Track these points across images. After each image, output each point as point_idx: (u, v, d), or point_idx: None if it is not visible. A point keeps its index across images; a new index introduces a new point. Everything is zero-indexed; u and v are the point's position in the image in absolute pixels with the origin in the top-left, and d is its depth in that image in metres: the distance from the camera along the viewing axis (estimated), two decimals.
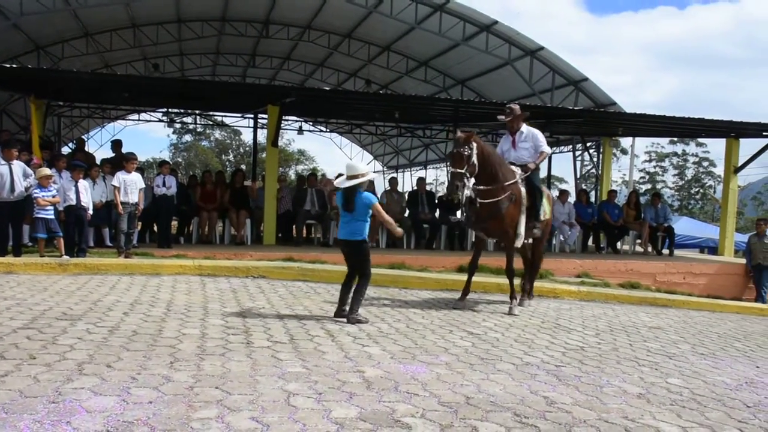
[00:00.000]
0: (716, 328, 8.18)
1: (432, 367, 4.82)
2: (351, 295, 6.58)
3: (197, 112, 24.24)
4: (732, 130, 16.03)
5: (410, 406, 3.84)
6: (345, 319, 6.46)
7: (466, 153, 7.38)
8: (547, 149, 8.46)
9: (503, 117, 8.52)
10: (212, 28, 22.75)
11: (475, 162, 7.43)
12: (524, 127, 8.47)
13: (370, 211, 6.54)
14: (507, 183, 7.73)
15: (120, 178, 10.36)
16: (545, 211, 8.44)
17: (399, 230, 7.11)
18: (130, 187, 10.39)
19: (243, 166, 39.16)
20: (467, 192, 7.42)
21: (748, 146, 17.22)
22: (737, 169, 16.52)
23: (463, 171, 7.32)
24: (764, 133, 15.87)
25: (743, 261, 14.42)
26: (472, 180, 7.50)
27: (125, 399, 3.66)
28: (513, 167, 8.08)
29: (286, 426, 3.40)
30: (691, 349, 6.55)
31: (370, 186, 7.02)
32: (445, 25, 20.06)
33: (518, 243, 8.00)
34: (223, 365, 4.50)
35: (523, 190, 7.94)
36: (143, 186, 10.79)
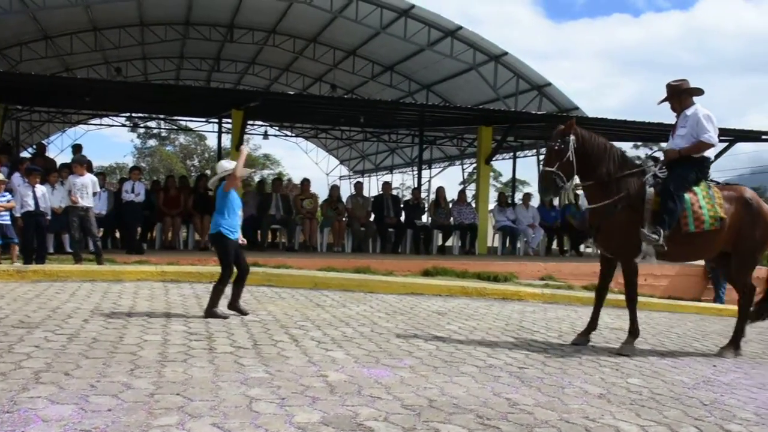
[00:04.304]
0: (676, 329, 8.33)
1: (396, 371, 4.83)
2: (233, 287, 6.84)
3: (161, 116, 24.01)
4: None
5: (373, 410, 3.84)
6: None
7: (556, 148, 6.22)
8: (708, 138, 6.29)
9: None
10: (176, 32, 22.58)
11: (572, 159, 6.18)
12: (691, 108, 6.47)
13: (228, 202, 6.76)
14: (615, 179, 6.28)
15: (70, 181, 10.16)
16: (700, 216, 6.26)
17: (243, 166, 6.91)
18: (81, 190, 10.12)
19: (208, 171, 38.83)
20: (569, 193, 6.59)
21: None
22: None
23: (552, 169, 6.19)
24: (721, 138, 16.23)
25: (702, 263, 14.71)
26: (574, 181, 6.35)
27: (83, 407, 3.59)
28: (640, 161, 6.65)
29: (248, 431, 3.37)
30: (652, 349, 6.66)
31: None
32: (410, 30, 20.19)
33: (638, 258, 6.39)
34: (184, 371, 4.45)
35: (649, 189, 6.25)
36: (97, 190, 10.61)
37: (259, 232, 13.98)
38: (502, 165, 34.63)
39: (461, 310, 8.33)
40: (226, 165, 6.96)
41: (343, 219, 14.29)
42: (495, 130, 15.96)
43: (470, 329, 6.93)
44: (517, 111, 18.22)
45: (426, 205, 16.45)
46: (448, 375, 4.82)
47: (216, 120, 20.18)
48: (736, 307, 10.56)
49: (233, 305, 6.80)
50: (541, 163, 6.63)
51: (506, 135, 16.52)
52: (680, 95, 6.54)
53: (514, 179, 25.37)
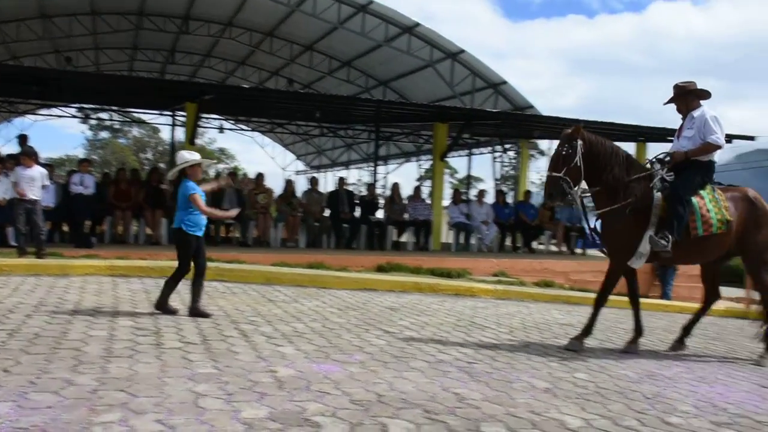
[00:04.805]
0: (624, 325, 8.49)
1: (345, 366, 4.82)
2: (192, 287, 6.61)
3: (114, 108, 23.49)
4: (640, 135, 16.75)
5: (321, 405, 3.82)
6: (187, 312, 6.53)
7: (564, 153, 6.08)
8: (715, 139, 6.22)
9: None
10: (129, 22, 22.11)
11: (580, 163, 6.06)
12: (699, 110, 6.41)
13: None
14: (623, 184, 6.18)
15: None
16: (708, 219, 6.23)
17: (229, 213, 7.94)
18: (29, 183, 9.84)
19: (162, 165, 38.18)
20: (575, 198, 6.28)
21: (655, 150, 18.05)
22: None
23: (559, 175, 6.05)
24: (668, 138, 16.56)
25: None
26: (581, 186, 6.23)
27: (21, 405, 3.49)
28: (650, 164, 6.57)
29: (192, 427, 3.33)
30: (599, 344, 6.79)
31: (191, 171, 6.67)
32: (367, 25, 20.16)
33: (637, 264, 6.44)
34: (130, 367, 4.37)
35: (657, 194, 6.22)
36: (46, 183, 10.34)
37: (212, 226, 13.82)
38: (458, 162, 34.93)
39: (414, 306, 8.36)
40: (187, 156, 6.76)
41: (298, 214, 14.21)
42: (451, 127, 16.06)
43: (422, 325, 6.96)
44: (473, 108, 18.35)
45: (381, 201, 16.47)
46: (397, 370, 4.83)
47: (170, 113, 19.87)
48: (682, 304, 10.83)
49: (194, 310, 6.48)
50: (547, 168, 6.52)
51: (462, 132, 16.65)
52: (687, 96, 6.47)
53: (469, 176, 25.61)
